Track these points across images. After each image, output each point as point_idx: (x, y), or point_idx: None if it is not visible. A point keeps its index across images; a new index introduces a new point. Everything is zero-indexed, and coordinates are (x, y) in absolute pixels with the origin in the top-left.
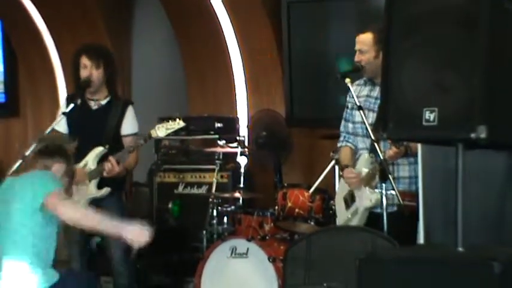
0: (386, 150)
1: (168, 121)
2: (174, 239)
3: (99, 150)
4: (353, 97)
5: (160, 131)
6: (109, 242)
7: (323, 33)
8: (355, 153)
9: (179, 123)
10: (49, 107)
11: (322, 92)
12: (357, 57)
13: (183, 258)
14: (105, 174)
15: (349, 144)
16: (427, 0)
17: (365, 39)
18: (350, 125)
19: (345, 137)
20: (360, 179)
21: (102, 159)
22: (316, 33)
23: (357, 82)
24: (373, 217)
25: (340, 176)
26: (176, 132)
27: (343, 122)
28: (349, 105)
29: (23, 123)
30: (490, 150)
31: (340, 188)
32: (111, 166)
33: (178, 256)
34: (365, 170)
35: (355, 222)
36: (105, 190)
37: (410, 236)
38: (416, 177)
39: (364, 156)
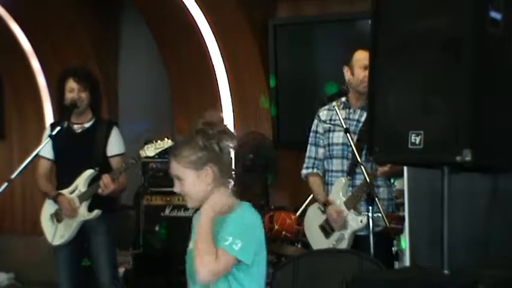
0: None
1: (157, 141)
2: (161, 262)
3: (89, 172)
4: (339, 119)
5: (150, 150)
6: (97, 265)
7: (309, 55)
8: (323, 180)
9: (168, 142)
10: (35, 129)
11: (309, 115)
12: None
13: (170, 281)
14: (100, 191)
15: (318, 171)
16: (412, 24)
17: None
18: (321, 150)
19: (314, 163)
20: (344, 215)
21: (93, 181)
22: (303, 56)
23: (327, 107)
24: (357, 239)
25: (319, 209)
26: (163, 155)
27: (312, 148)
28: (321, 130)
29: (9, 145)
30: (475, 173)
31: (311, 216)
32: (107, 181)
33: (166, 279)
34: (342, 198)
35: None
36: (96, 212)
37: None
38: (392, 199)
39: (341, 181)
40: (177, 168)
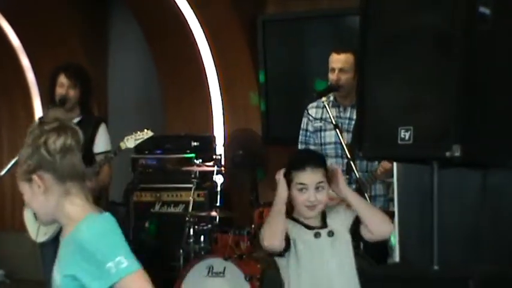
0: (380, 164)
1: (137, 132)
2: (150, 258)
3: None
4: (329, 115)
5: (130, 142)
6: None
7: (299, 51)
8: None
9: (147, 133)
10: (24, 126)
11: (299, 111)
12: (335, 76)
13: (160, 277)
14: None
15: None
16: (402, 20)
17: (348, 59)
18: (312, 148)
19: None
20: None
21: None
22: (292, 52)
23: (315, 104)
24: None
25: None
26: (152, 151)
27: (301, 146)
28: (312, 128)
29: None
30: (464, 168)
31: None
32: None
33: (155, 275)
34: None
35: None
36: None
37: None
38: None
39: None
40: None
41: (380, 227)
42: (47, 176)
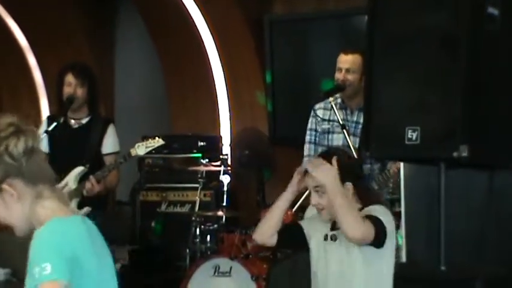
0: (392, 166)
1: (148, 139)
2: (157, 258)
3: (79, 169)
4: (336, 115)
5: (140, 149)
6: None
7: (306, 51)
8: None
9: (158, 141)
10: (32, 125)
11: (305, 110)
12: (342, 76)
13: (166, 277)
14: (85, 193)
15: None
16: (409, 20)
17: (355, 60)
18: (319, 148)
19: None
20: None
21: (83, 178)
22: (299, 52)
23: (322, 105)
24: None
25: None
26: (159, 151)
27: (310, 146)
28: (320, 129)
29: None
30: (471, 169)
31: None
32: (91, 186)
33: (162, 275)
34: None
35: None
36: (86, 210)
37: None
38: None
39: None
40: None
41: (347, 230)
42: (16, 182)
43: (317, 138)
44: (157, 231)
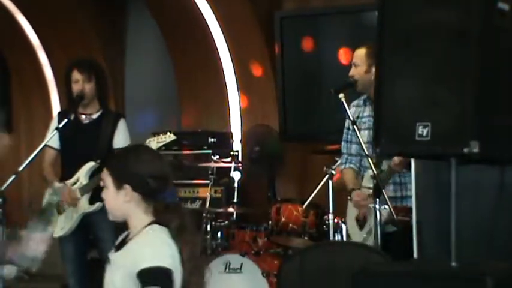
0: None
1: (159, 134)
2: None
3: (90, 165)
4: (346, 112)
5: (152, 144)
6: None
7: (316, 48)
8: (358, 173)
9: (170, 136)
10: (42, 122)
11: (316, 107)
12: (350, 72)
13: None
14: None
15: (351, 165)
16: (419, 15)
17: (358, 53)
18: (354, 146)
19: (347, 158)
20: (368, 199)
21: (94, 174)
22: (309, 48)
23: (355, 103)
24: (387, 238)
25: (348, 199)
26: (169, 147)
27: (344, 144)
28: (350, 127)
29: (16, 138)
30: (482, 165)
31: (350, 208)
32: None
33: None
34: (370, 186)
35: (371, 241)
36: (97, 205)
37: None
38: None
39: (369, 173)
40: None
41: None
42: None
43: (349, 136)
44: None
